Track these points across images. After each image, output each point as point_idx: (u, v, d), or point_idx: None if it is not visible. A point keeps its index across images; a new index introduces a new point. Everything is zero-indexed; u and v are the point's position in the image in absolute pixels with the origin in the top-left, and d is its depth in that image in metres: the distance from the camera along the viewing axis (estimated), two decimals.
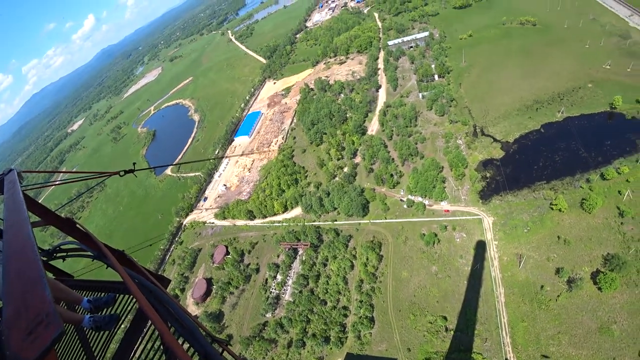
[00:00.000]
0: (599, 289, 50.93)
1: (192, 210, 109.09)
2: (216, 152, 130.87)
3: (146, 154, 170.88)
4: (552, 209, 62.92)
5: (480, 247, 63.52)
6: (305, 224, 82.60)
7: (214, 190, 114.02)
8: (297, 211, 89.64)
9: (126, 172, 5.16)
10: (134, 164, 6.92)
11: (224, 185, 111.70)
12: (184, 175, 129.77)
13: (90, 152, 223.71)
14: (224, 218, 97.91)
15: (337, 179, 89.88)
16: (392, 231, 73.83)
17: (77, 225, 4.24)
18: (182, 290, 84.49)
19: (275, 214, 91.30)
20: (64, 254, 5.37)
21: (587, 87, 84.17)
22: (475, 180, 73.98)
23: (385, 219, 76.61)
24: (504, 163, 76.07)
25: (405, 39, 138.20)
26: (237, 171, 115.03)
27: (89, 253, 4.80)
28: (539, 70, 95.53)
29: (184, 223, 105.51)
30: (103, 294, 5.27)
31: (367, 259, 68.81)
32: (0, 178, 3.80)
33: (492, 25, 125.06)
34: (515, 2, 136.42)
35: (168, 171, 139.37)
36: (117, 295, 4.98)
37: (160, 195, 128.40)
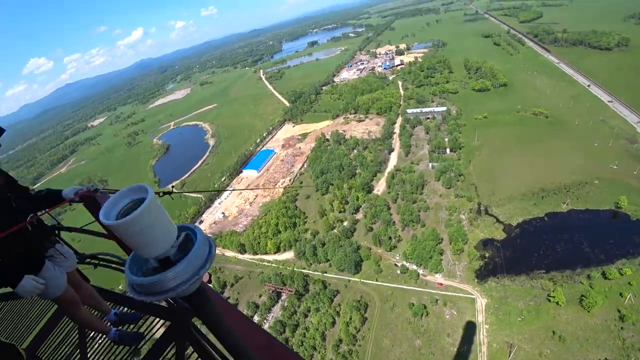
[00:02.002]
0: None
1: None
2: (222, 180, 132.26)
3: (155, 165, 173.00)
4: (549, 300, 61.20)
5: (470, 329, 61.25)
6: (295, 269, 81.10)
7: (211, 216, 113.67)
8: (289, 254, 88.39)
9: (164, 193, 5.71)
10: (172, 186, 7.51)
11: (222, 213, 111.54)
12: (186, 194, 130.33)
13: (102, 150, 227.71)
14: (216, 246, 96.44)
15: (335, 231, 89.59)
16: (381, 294, 72.00)
17: None
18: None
19: (266, 253, 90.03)
20: (97, 261, 5.73)
21: (593, 184, 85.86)
22: (474, 258, 73.23)
23: (377, 280, 75.11)
24: (505, 245, 75.47)
25: (424, 109, 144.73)
26: (238, 202, 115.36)
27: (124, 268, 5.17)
28: (548, 160, 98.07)
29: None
30: (128, 309, 5.52)
31: (351, 319, 66.47)
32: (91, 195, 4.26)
33: (507, 111, 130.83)
34: (531, 94, 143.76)
35: (170, 187, 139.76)
36: (142, 314, 5.22)
37: None
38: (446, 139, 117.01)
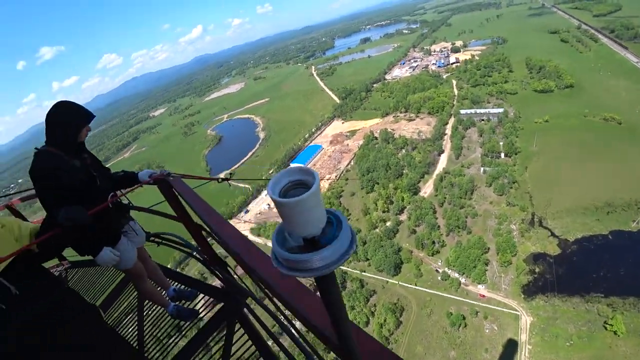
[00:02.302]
0: None
1: (232, 218, 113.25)
2: (270, 172, 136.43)
3: (208, 154, 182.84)
4: (605, 328, 55.61)
5: (511, 347, 57.93)
6: None
7: (257, 206, 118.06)
8: None
9: (223, 179, 6.47)
10: (231, 174, 8.00)
11: (268, 204, 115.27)
12: (235, 183, 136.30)
13: (161, 138, 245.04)
14: (259, 235, 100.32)
15: (377, 230, 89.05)
16: (419, 300, 70.60)
17: (202, 232, 5.02)
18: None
19: None
20: (160, 240, 6.24)
21: None
22: (522, 272, 68.94)
23: (415, 285, 73.76)
24: (558, 262, 69.95)
25: (479, 110, 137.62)
26: None
27: (190, 251, 5.90)
28: (618, 172, 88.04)
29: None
30: (185, 287, 5.91)
31: (385, 321, 66.01)
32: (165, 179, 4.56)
33: (572, 115, 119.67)
34: (602, 97, 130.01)
35: (221, 175, 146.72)
36: (198, 293, 5.59)
37: (206, 196, 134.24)
38: (501, 143, 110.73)
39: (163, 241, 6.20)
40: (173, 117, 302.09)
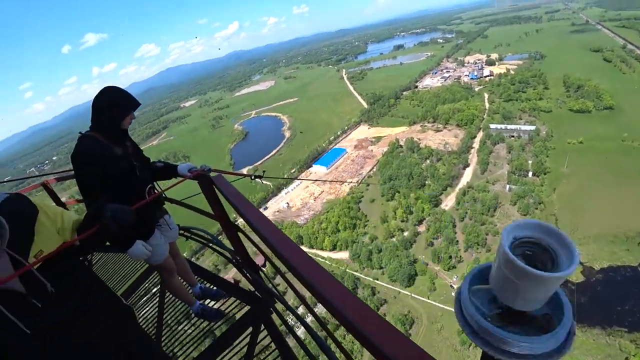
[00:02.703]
0: None
1: None
2: (292, 171, 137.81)
3: (233, 148, 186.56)
4: None
5: None
6: (347, 270, 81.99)
7: (276, 204, 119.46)
8: (343, 254, 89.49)
9: (255, 177, 6.37)
10: (264, 172, 8.32)
11: (287, 203, 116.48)
12: (258, 180, 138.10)
13: (190, 128, 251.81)
14: None
15: (394, 239, 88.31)
16: (430, 314, 69.45)
17: (239, 233, 4.99)
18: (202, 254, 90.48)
19: (322, 249, 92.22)
20: (189, 234, 6.15)
21: None
22: None
23: (428, 298, 72.65)
24: (581, 290, 67.12)
25: (509, 126, 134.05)
26: (303, 195, 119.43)
27: (222, 251, 5.90)
28: None
29: (238, 222, 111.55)
30: (212, 285, 5.83)
31: None
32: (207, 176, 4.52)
33: (609, 138, 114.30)
34: None
35: (244, 170, 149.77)
36: (225, 294, 5.47)
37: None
38: (530, 161, 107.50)
39: (192, 236, 6.13)
40: (202, 109, 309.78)
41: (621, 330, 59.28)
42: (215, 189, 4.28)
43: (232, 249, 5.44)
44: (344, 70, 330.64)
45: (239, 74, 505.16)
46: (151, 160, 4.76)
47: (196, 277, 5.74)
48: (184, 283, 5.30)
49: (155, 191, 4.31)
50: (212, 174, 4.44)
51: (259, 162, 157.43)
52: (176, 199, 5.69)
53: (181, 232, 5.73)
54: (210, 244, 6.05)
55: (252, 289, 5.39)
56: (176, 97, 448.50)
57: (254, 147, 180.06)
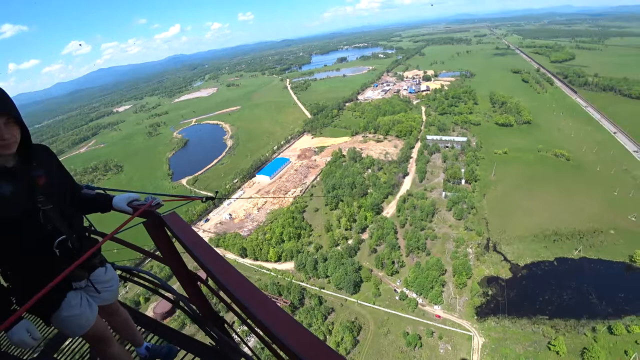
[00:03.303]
0: None
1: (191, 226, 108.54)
2: (234, 181, 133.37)
3: (171, 157, 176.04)
4: (549, 348, 58.70)
5: None
6: (293, 280, 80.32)
7: (218, 216, 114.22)
8: (289, 265, 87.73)
9: (207, 198, 5.18)
10: (217, 192, 6.69)
11: (229, 214, 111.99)
12: (197, 190, 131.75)
13: (123, 135, 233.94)
14: (217, 246, 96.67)
15: (339, 247, 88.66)
16: (376, 319, 70.39)
17: (198, 283, 4.13)
18: (147, 299, 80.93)
19: (267, 260, 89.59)
20: (128, 275, 4.83)
21: (608, 233, 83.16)
22: (476, 294, 71.04)
23: (374, 304, 73.60)
24: (509, 285, 73.26)
25: (444, 138, 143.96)
26: (246, 206, 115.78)
27: (175, 299, 4.52)
28: (564, 204, 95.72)
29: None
30: (162, 341, 4.75)
31: (342, 339, 64.98)
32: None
33: (528, 150, 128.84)
34: (554, 134, 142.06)
35: (183, 181, 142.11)
36: (180, 349, 4.47)
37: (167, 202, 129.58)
38: (462, 170, 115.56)
39: (133, 278, 4.83)
40: (138, 115, 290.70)
41: (543, 318, 65.59)
42: (167, 230, 3.23)
43: (186, 295, 4.23)
44: (288, 80, 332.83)
45: (179, 79, 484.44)
46: (84, 187, 3.44)
47: (142, 330, 4.60)
48: (127, 345, 4.22)
49: (70, 244, 2.77)
50: (161, 208, 3.47)
51: (200, 172, 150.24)
52: (105, 232, 3.94)
53: (120, 272, 4.49)
54: (156, 288, 4.70)
55: (213, 342, 4.38)
56: (109, 100, 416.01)
57: (195, 157, 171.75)
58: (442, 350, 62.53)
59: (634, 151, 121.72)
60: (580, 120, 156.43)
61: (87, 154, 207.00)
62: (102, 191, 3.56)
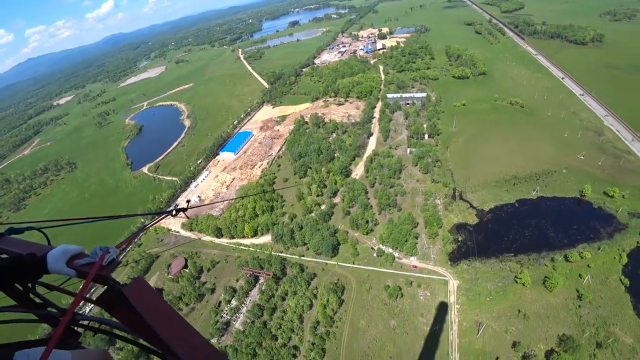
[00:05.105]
0: None
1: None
2: (198, 162, 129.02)
3: (127, 146, 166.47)
4: (516, 282, 64.42)
5: (442, 309, 63.46)
6: (272, 253, 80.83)
7: (186, 199, 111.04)
8: (266, 238, 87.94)
9: (177, 211, 4.19)
10: (188, 201, 5.79)
11: (199, 196, 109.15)
12: (160, 177, 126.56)
13: (70, 129, 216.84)
14: (191, 229, 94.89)
15: (313, 214, 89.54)
16: (358, 277, 73.05)
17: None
18: None
19: (243, 237, 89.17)
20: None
21: (561, 172, 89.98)
22: (447, 241, 75.23)
23: (353, 263, 76.01)
24: (477, 230, 78.29)
25: (404, 95, 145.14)
26: (214, 185, 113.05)
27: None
28: (521, 149, 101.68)
29: (147, 225, 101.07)
30: None
31: (328, 301, 67.24)
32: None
33: (485, 100, 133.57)
34: (507, 84, 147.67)
35: (145, 169, 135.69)
36: None
37: (130, 191, 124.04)
38: (425, 125, 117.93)
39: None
40: (83, 106, 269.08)
41: (509, 255, 71.17)
42: (135, 306, 2.47)
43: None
44: (240, 50, 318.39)
45: (122, 61, 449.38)
46: (7, 231, 2.68)
47: None
48: None
49: None
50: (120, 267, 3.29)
51: (161, 157, 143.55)
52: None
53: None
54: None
55: None
56: (45, 93, 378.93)
57: (152, 142, 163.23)
58: (422, 297, 66.44)
59: (580, 94, 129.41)
60: (532, 68, 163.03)
61: (32, 155, 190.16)
62: (35, 229, 2.75)
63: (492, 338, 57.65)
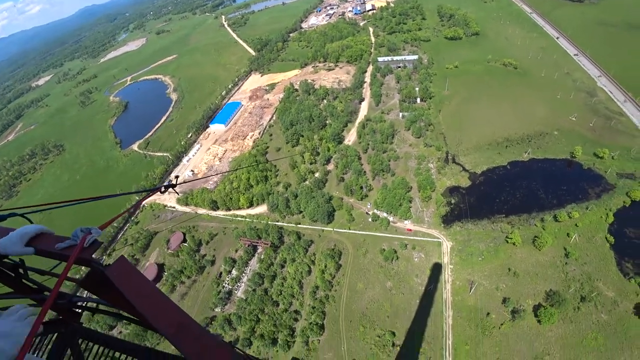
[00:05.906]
0: (539, 321, 54.61)
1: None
2: (189, 136, 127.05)
3: (114, 124, 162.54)
4: (507, 241, 66.45)
5: (436, 269, 65.64)
6: (269, 222, 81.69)
7: (180, 174, 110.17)
8: (262, 208, 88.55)
9: (166, 187, 4.00)
10: (177, 177, 5.58)
11: (192, 170, 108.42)
12: (151, 153, 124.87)
13: (53, 111, 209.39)
14: (186, 204, 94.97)
15: (307, 182, 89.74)
16: (354, 242, 74.59)
17: None
18: None
19: (239, 208, 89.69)
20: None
21: (553, 134, 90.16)
22: (441, 204, 76.42)
23: (349, 229, 77.29)
24: (469, 192, 79.47)
25: (395, 58, 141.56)
26: (207, 159, 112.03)
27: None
28: (513, 111, 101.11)
29: (143, 203, 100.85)
30: None
31: (326, 266, 68.95)
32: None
33: (478, 61, 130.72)
34: (501, 44, 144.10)
35: (134, 146, 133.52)
36: None
37: (121, 170, 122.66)
38: (417, 89, 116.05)
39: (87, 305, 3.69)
40: (63, 85, 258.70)
41: (500, 216, 72.76)
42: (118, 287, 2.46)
43: None
44: (223, 17, 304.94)
45: (99, 35, 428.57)
46: None
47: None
48: None
49: None
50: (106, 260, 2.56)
51: (150, 134, 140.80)
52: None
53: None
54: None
55: None
56: (22, 75, 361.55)
57: (140, 118, 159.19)
58: (416, 259, 68.35)
59: (574, 54, 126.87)
60: (526, 27, 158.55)
61: (17, 140, 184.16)
62: (17, 215, 2.64)
63: (484, 295, 60.38)
